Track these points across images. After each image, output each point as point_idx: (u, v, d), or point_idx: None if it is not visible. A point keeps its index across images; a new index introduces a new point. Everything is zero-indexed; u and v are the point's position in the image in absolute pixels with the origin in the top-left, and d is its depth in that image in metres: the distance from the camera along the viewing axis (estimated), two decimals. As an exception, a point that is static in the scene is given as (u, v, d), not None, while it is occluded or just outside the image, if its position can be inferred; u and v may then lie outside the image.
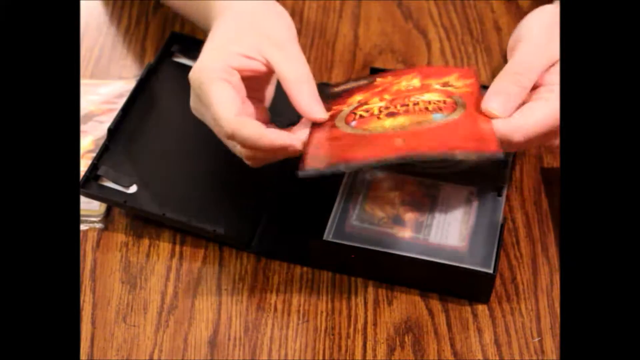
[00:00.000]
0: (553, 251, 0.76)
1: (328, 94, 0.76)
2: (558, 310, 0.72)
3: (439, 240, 0.74)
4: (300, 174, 0.67)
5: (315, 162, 0.67)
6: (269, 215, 0.77)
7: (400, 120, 0.69)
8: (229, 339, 0.71)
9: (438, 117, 0.69)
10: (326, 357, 0.70)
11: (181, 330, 0.72)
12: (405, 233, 0.74)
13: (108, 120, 0.81)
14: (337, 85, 0.78)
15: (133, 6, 0.96)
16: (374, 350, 0.70)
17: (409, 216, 0.75)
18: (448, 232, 0.74)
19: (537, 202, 0.79)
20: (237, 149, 0.71)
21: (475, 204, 0.76)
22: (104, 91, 0.88)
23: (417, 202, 0.76)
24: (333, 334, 0.71)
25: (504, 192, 0.76)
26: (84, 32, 0.94)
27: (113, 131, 0.78)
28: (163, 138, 0.80)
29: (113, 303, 0.73)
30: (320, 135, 0.70)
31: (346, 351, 0.71)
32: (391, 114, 0.70)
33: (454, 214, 0.75)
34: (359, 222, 0.75)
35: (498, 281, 0.74)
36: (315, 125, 0.71)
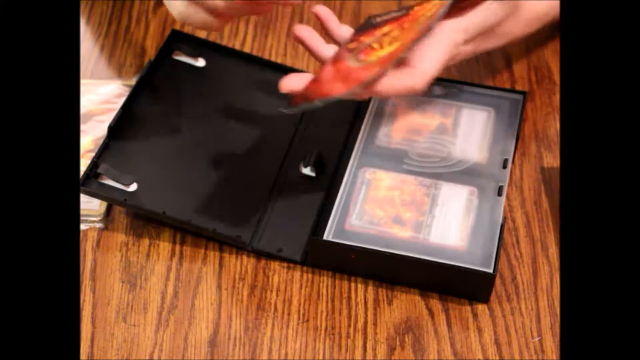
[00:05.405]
0: (553, 251, 0.76)
1: (368, 23, 0.77)
2: (558, 310, 0.72)
3: (439, 240, 0.74)
4: (285, 110, 0.70)
5: (299, 100, 0.70)
6: (269, 215, 0.77)
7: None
8: (229, 339, 0.71)
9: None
10: (326, 357, 0.70)
11: (181, 329, 0.72)
12: (405, 233, 0.74)
13: (108, 119, 0.81)
14: (379, 16, 0.78)
15: (133, 6, 0.96)
16: (374, 350, 0.70)
17: (409, 216, 0.75)
18: (448, 232, 0.74)
19: (537, 202, 0.79)
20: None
21: (475, 204, 0.76)
22: (103, 91, 0.88)
23: (417, 202, 0.76)
24: (333, 334, 0.71)
25: (504, 192, 0.76)
26: (84, 32, 0.94)
27: (113, 129, 0.78)
28: (163, 136, 0.80)
29: (113, 303, 0.73)
30: (328, 68, 0.72)
31: (346, 351, 0.70)
32: (391, 42, 0.71)
33: (454, 214, 0.75)
34: (359, 221, 0.75)
35: (498, 281, 0.74)
36: (330, 58, 0.73)
